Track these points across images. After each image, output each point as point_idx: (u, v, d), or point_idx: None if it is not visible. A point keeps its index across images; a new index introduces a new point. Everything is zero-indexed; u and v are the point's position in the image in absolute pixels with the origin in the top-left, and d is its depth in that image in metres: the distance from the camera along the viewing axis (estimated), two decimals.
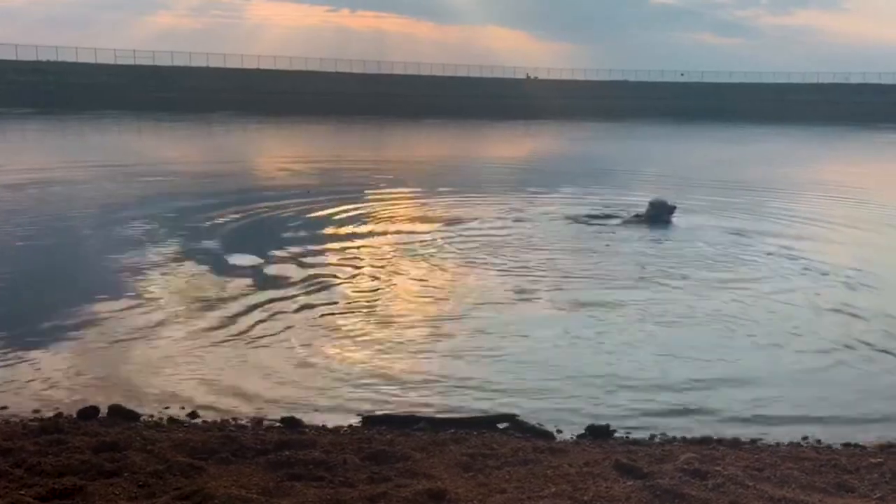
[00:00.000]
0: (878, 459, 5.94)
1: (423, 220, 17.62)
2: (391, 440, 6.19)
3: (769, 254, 14.63)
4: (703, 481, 5.15)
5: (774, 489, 5.11)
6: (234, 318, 9.91)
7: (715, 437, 6.63)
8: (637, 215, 17.52)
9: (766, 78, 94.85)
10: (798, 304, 11.21)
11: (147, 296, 10.89)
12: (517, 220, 17.74)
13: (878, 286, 12.39)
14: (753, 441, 6.62)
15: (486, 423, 6.86)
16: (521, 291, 11.54)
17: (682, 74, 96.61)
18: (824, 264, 13.72)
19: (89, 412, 6.70)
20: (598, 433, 6.70)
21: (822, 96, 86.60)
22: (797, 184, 26.95)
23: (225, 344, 8.98)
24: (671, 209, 17.35)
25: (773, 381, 8.19)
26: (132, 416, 6.73)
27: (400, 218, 18.09)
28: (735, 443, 6.51)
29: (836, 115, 74.89)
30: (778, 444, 6.53)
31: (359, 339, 9.30)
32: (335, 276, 12.27)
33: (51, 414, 6.76)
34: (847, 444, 6.60)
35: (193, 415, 6.94)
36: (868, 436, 6.86)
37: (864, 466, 5.77)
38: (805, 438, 6.74)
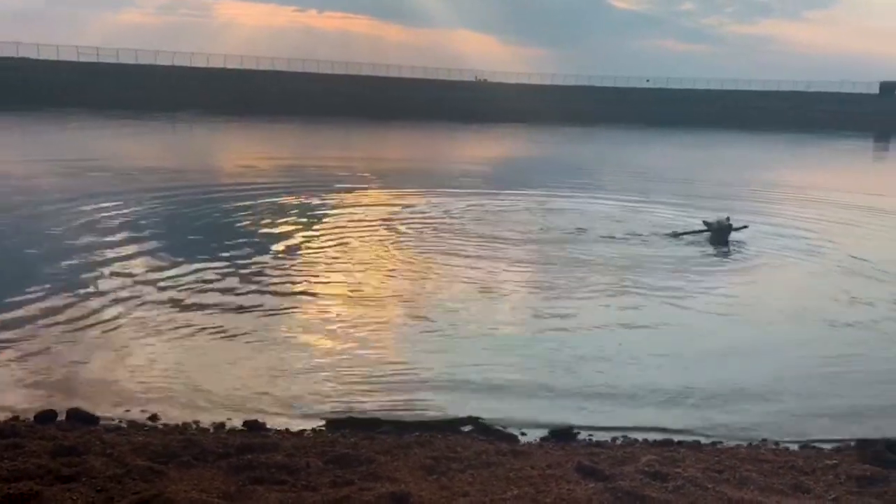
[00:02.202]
0: (834, 461, 6.08)
1: (386, 215, 17.45)
2: (355, 443, 6.18)
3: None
4: (663, 483, 5.23)
5: (733, 491, 5.20)
6: (193, 319, 9.76)
7: (675, 440, 6.72)
8: (698, 230, 16.89)
9: (730, 85, 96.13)
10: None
11: (101, 294, 10.69)
12: (483, 217, 17.79)
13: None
14: (714, 443, 6.73)
15: (449, 425, 6.88)
16: (489, 289, 11.58)
17: (647, 80, 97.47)
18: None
19: (47, 415, 6.58)
20: (561, 435, 6.76)
21: (784, 104, 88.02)
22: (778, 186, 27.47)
23: (186, 345, 8.87)
24: (728, 227, 16.45)
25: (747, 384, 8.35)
26: (91, 419, 6.63)
27: (361, 213, 18.07)
28: (695, 445, 6.61)
29: (798, 123, 76.43)
30: (738, 446, 6.64)
31: (322, 339, 9.26)
32: (299, 273, 12.20)
33: (6, 417, 6.62)
34: (804, 446, 6.73)
35: (154, 418, 6.86)
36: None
37: (821, 468, 5.90)
38: (764, 440, 6.87)
